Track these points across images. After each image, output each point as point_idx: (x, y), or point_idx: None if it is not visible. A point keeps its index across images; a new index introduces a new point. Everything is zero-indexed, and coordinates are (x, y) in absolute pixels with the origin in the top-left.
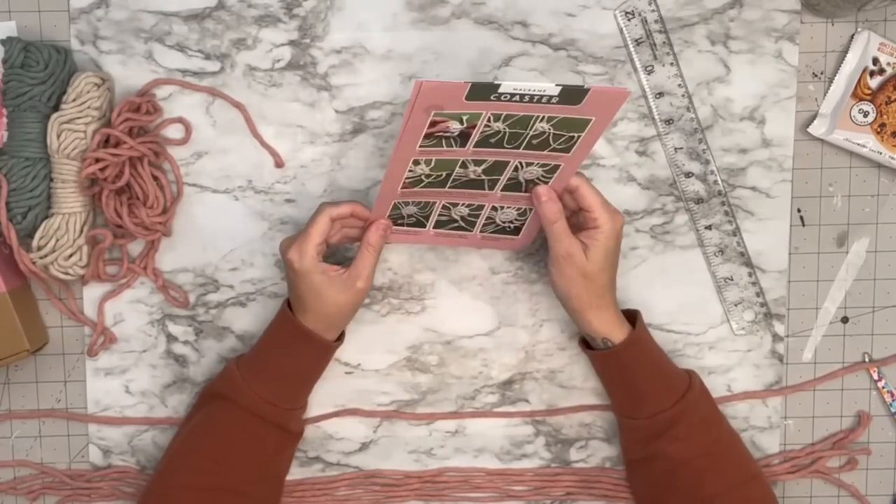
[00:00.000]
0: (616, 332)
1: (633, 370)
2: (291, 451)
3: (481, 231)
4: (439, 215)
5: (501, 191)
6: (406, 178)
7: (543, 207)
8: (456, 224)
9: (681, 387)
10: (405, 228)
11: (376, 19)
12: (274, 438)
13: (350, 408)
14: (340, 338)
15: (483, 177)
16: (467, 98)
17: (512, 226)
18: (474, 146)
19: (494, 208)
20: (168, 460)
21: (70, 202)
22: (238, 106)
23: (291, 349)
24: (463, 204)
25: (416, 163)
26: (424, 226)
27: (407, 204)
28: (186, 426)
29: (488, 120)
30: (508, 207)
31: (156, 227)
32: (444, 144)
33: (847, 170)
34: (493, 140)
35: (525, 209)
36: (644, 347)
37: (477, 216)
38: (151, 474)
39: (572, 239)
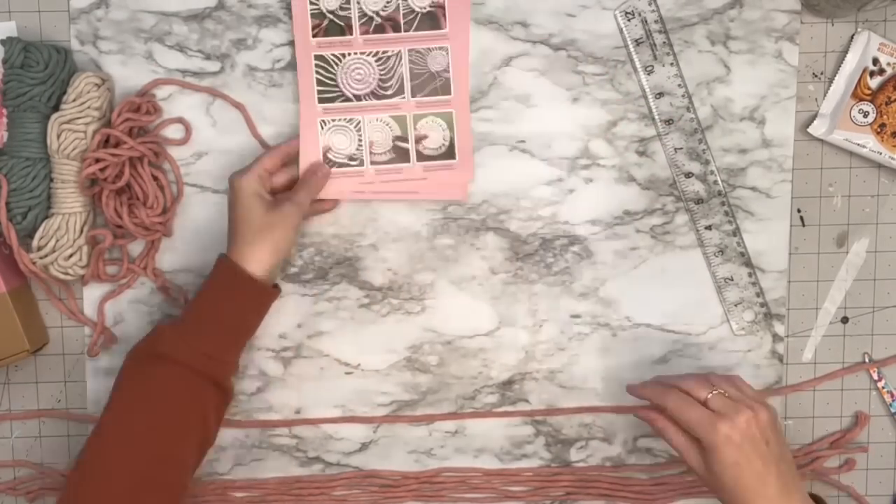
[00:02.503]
0: None
1: None
2: (222, 415)
3: (418, 160)
4: (371, 150)
5: (413, 97)
6: (317, 76)
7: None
8: (392, 157)
9: None
10: (345, 170)
11: None
12: (212, 397)
13: (349, 411)
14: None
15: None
16: None
17: (444, 147)
18: (360, 32)
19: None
20: (100, 437)
21: (70, 202)
22: (238, 106)
23: (224, 293)
24: (388, 115)
25: (320, 58)
26: (363, 163)
27: (335, 128)
28: (115, 397)
29: None
30: (431, 116)
31: (156, 227)
32: (335, 31)
33: (847, 170)
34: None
35: (446, 130)
36: None
37: (405, 138)
38: (81, 452)
39: (679, 437)
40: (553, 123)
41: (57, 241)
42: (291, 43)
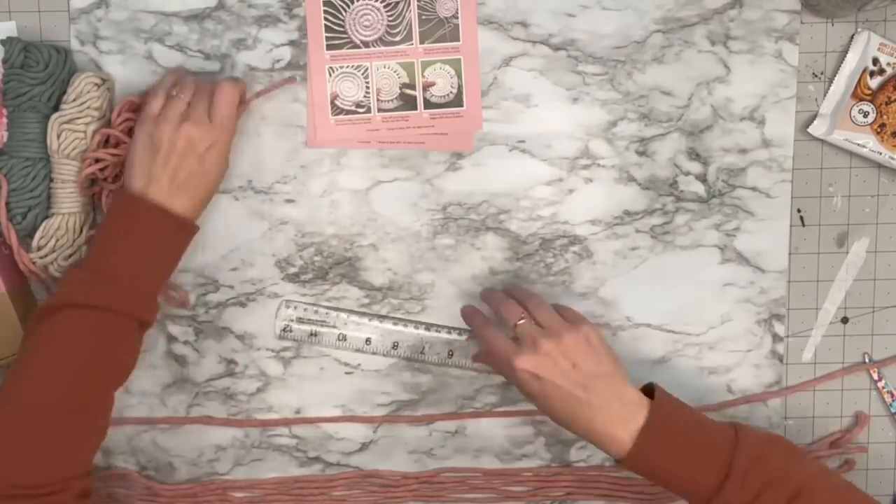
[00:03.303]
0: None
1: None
2: (142, 341)
3: (426, 108)
4: (378, 97)
5: (421, 44)
6: (325, 23)
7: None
8: (399, 105)
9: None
10: (352, 117)
11: None
12: (135, 332)
13: (349, 410)
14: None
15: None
16: None
17: (452, 95)
18: None
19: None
20: (13, 384)
21: (70, 202)
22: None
23: (143, 236)
24: (395, 62)
25: (328, 4)
26: (370, 110)
27: (342, 74)
28: (28, 355)
29: None
30: (440, 66)
31: None
32: None
33: (847, 170)
34: None
35: (454, 77)
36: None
37: (413, 85)
38: None
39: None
40: (553, 123)
41: (57, 241)
42: (291, 43)
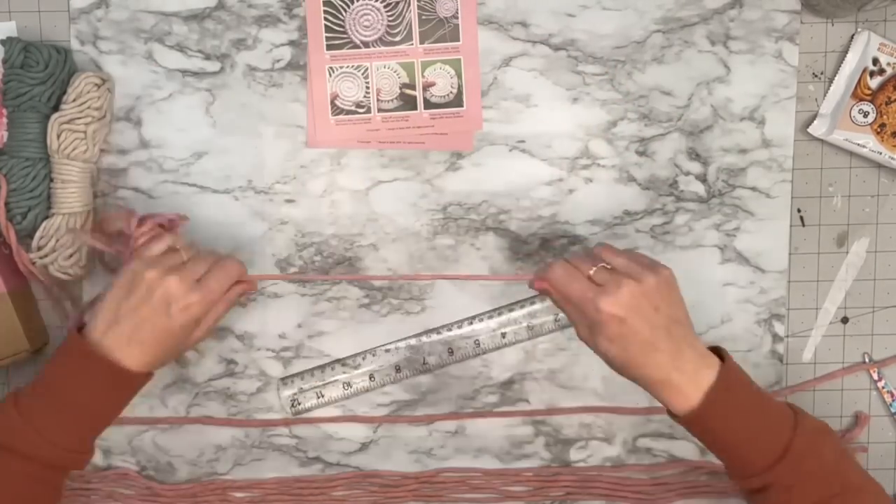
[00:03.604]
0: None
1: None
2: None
3: (426, 108)
4: (378, 97)
5: (421, 44)
6: (325, 23)
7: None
8: (399, 105)
9: (776, 447)
10: (352, 117)
11: None
12: (60, 479)
13: (349, 410)
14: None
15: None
16: None
17: (452, 95)
18: None
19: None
20: None
21: (70, 202)
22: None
23: (88, 383)
24: (395, 62)
25: (328, 4)
26: (370, 110)
27: (342, 75)
28: None
29: None
30: (440, 66)
31: None
32: None
33: (847, 170)
34: None
35: (454, 77)
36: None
37: (413, 85)
38: None
39: (568, 307)
40: (553, 123)
41: (57, 241)
42: (291, 43)
